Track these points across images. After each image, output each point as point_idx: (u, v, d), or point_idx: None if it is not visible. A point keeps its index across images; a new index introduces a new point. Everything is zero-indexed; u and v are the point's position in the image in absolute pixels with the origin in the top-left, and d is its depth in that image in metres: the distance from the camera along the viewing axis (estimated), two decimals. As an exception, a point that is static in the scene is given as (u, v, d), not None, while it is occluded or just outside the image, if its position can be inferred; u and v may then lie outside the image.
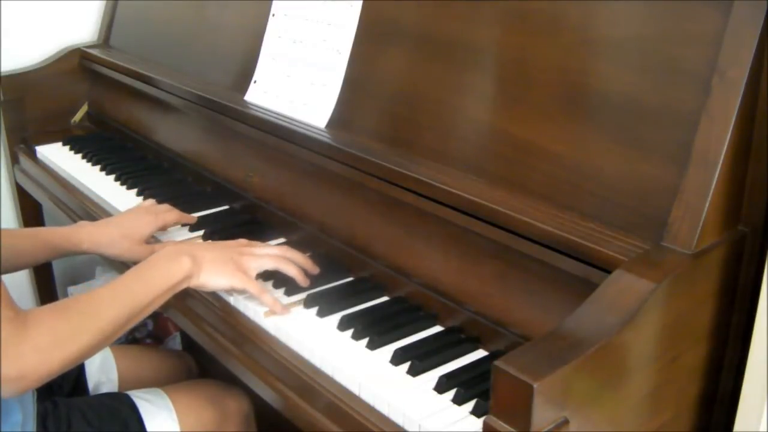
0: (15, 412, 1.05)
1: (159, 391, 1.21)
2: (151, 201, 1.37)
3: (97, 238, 1.24)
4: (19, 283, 1.96)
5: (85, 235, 1.24)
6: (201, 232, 1.33)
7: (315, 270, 1.15)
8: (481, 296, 1.02)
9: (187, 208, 1.41)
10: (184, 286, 1.06)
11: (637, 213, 0.88)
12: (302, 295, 1.11)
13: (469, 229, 1.00)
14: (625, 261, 0.81)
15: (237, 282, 1.07)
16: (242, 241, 1.15)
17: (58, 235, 1.24)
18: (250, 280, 1.08)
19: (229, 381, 1.26)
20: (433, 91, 1.13)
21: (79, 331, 0.93)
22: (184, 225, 1.35)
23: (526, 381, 0.67)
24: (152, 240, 1.30)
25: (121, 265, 1.36)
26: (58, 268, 2.00)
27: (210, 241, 1.17)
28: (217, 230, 1.32)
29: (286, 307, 1.08)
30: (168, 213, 1.30)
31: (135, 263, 1.09)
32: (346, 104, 1.27)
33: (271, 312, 1.07)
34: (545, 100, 0.99)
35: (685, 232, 0.82)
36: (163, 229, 1.31)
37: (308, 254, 1.17)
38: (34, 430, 1.07)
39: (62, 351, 0.91)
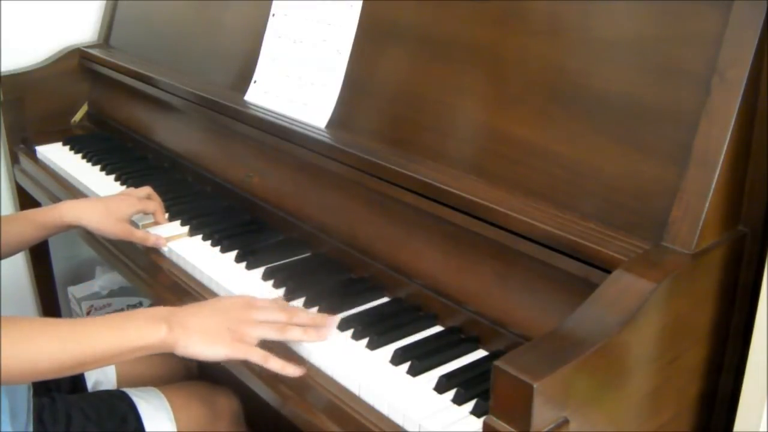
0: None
1: (156, 390, 1.21)
2: (132, 189, 1.42)
3: (80, 210, 1.30)
4: (20, 283, 1.96)
5: (68, 207, 1.31)
6: (201, 234, 1.32)
7: (325, 322, 1.03)
8: (481, 296, 1.01)
9: (188, 208, 1.42)
10: (155, 351, 0.95)
11: (637, 213, 0.88)
12: (303, 297, 1.11)
13: (468, 229, 1.00)
14: (625, 261, 0.81)
15: (235, 353, 0.96)
16: (242, 299, 1.01)
17: (41, 213, 1.31)
18: (250, 348, 0.96)
19: (219, 380, 1.26)
20: (433, 91, 1.13)
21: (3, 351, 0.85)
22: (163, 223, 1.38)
23: (526, 381, 0.67)
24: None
25: (121, 264, 1.37)
26: (58, 268, 2.00)
27: (206, 302, 1.03)
28: (217, 230, 1.32)
29: (299, 367, 0.96)
30: (149, 200, 1.37)
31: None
32: (346, 104, 1.27)
33: (284, 372, 0.96)
34: (545, 100, 0.99)
35: (685, 232, 0.82)
36: (145, 212, 1.36)
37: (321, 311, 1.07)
38: (30, 424, 1.07)
39: None
